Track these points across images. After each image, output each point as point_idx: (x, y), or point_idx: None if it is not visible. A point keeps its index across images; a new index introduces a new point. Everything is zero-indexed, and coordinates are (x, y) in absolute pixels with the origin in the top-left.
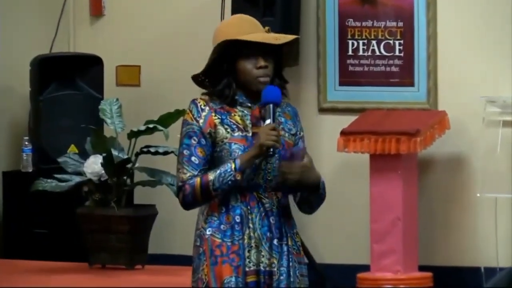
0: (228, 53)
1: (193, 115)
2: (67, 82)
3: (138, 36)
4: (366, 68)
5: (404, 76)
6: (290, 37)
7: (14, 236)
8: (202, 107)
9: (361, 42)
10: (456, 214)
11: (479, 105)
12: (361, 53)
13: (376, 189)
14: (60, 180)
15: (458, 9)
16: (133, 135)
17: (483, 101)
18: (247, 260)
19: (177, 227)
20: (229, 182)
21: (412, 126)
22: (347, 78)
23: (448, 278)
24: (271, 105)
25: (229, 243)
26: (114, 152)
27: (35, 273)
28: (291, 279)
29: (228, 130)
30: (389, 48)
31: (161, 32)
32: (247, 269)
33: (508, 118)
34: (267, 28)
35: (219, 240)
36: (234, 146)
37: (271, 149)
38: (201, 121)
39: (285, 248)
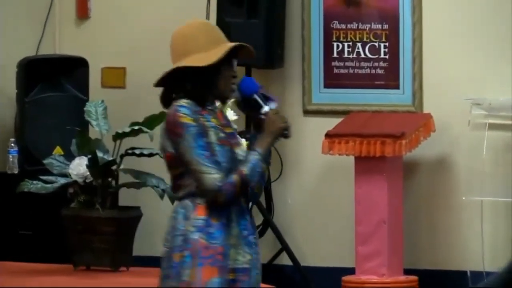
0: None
1: (190, 117)
2: (53, 84)
3: (124, 38)
4: (351, 71)
5: (389, 78)
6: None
7: None
8: (193, 109)
9: (346, 44)
10: (442, 217)
11: (465, 108)
12: (346, 55)
13: (361, 192)
14: (45, 182)
15: (444, 11)
16: (118, 136)
17: (469, 103)
18: (228, 258)
19: (161, 229)
20: (260, 173)
21: (397, 128)
22: (332, 80)
23: (434, 281)
24: (255, 95)
25: (215, 245)
26: (99, 154)
27: (20, 275)
28: (257, 271)
29: (214, 132)
30: (374, 50)
31: (146, 34)
32: (229, 267)
33: (493, 120)
34: None
35: (206, 243)
36: (225, 148)
37: (287, 131)
38: (200, 121)
39: (254, 241)
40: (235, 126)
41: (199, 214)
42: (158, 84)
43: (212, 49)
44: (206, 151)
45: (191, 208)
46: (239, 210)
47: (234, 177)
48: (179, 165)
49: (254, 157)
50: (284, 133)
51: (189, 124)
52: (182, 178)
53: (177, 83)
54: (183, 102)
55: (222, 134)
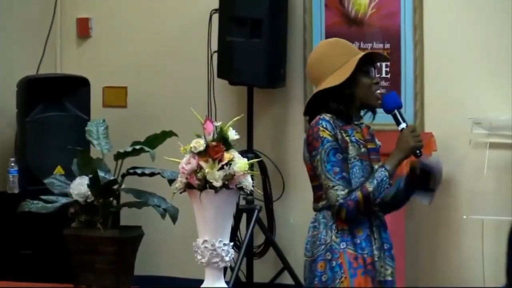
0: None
1: (330, 132)
2: (53, 103)
3: (125, 57)
4: None
5: None
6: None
7: None
8: (334, 124)
9: None
10: (443, 236)
11: (466, 127)
12: None
13: None
14: (46, 201)
15: (445, 31)
16: (120, 156)
17: (470, 122)
18: (377, 269)
19: (163, 248)
20: (385, 189)
21: None
22: None
23: None
24: (396, 111)
25: (365, 255)
26: (101, 173)
27: None
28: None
29: (357, 147)
30: (376, 69)
31: (147, 53)
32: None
33: (495, 139)
34: None
35: (355, 253)
36: (365, 163)
37: (419, 150)
38: (339, 137)
39: (393, 255)
40: (379, 143)
41: (341, 224)
42: (306, 111)
43: (344, 64)
44: (336, 167)
45: (333, 218)
46: (379, 223)
47: (358, 194)
48: (317, 177)
49: (381, 173)
50: (415, 152)
51: (326, 138)
52: (320, 189)
53: (322, 103)
54: (327, 116)
55: (363, 149)
